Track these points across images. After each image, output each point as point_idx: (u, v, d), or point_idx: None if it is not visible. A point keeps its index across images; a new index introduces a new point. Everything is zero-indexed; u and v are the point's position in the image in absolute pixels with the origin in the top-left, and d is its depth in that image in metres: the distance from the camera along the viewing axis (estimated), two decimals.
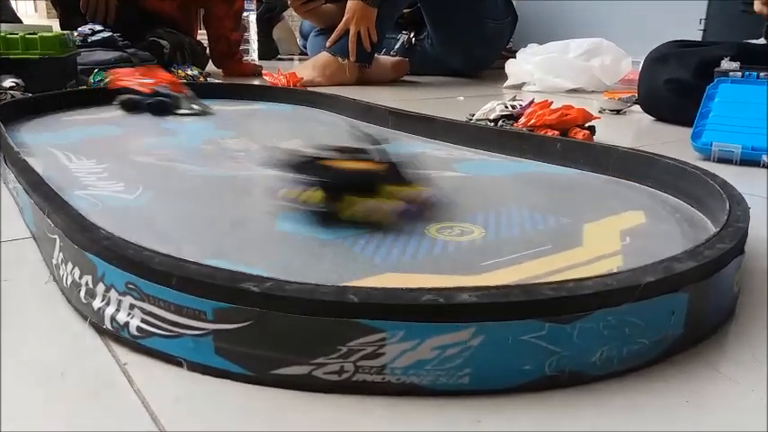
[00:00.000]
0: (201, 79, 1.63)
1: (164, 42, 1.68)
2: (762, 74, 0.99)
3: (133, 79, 1.15)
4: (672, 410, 0.33)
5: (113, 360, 0.37)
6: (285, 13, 2.63)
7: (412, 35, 2.03)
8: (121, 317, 0.38)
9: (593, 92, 1.68)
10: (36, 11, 4.96)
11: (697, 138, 0.96)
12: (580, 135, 0.98)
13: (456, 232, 0.55)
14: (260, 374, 0.35)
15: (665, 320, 0.37)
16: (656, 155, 0.71)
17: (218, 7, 1.90)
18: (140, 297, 0.37)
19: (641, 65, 1.32)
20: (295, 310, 0.33)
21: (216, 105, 1.19)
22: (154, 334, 0.37)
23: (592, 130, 1.01)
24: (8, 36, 1.19)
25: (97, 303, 0.40)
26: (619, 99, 1.41)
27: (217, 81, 1.66)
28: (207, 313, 0.35)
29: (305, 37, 2.30)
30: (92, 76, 1.36)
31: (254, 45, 2.31)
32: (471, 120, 1.08)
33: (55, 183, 0.55)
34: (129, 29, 1.64)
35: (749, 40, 1.30)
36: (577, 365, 0.35)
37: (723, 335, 0.42)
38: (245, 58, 2.09)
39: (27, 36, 1.21)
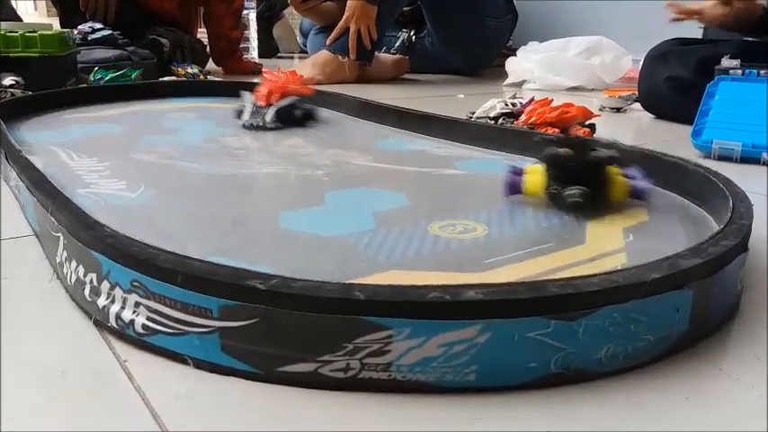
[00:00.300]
0: (201, 77, 1.63)
1: (164, 40, 1.68)
2: (762, 71, 0.99)
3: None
4: (673, 408, 0.34)
5: (113, 357, 0.37)
6: (285, 12, 2.63)
7: (412, 33, 2.03)
8: (126, 315, 0.38)
9: (593, 90, 1.68)
10: (36, 9, 4.94)
11: (697, 135, 0.96)
12: (580, 133, 0.98)
13: (459, 230, 0.55)
14: (266, 372, 0.35)
15: (671, 317, 0.38)
16: (657, 152, 0.71)
17: (218, 5, 1.90)
18: (146, 295, 0.37)
19: (641, 63, 1.32)
20: (301, 308, 0.33)
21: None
22: (159, 332, 0.37)
23: (592, 128, 1.01)
24: (8, 34, 1.19)
25: (102, 301, 0.40)
26: (619, 97, 1.41)
27: (217, 79, 1.65)
28: (213, 311, 0.35)
29: (305, 35, 2.30)
30: (92, 75, 1.36)
31: (254, 43, 2.31)
32: (472, 118, 1.08)
33: (57, 181, 0.55)
34: (128, 27, 1.64)
35: (749, 38, 1.30)
36: (583, 362, 0.35)
37: (726, 332, 0.42)
38: (245, 56, 2.10)
39: (27, 34, 1.20)
